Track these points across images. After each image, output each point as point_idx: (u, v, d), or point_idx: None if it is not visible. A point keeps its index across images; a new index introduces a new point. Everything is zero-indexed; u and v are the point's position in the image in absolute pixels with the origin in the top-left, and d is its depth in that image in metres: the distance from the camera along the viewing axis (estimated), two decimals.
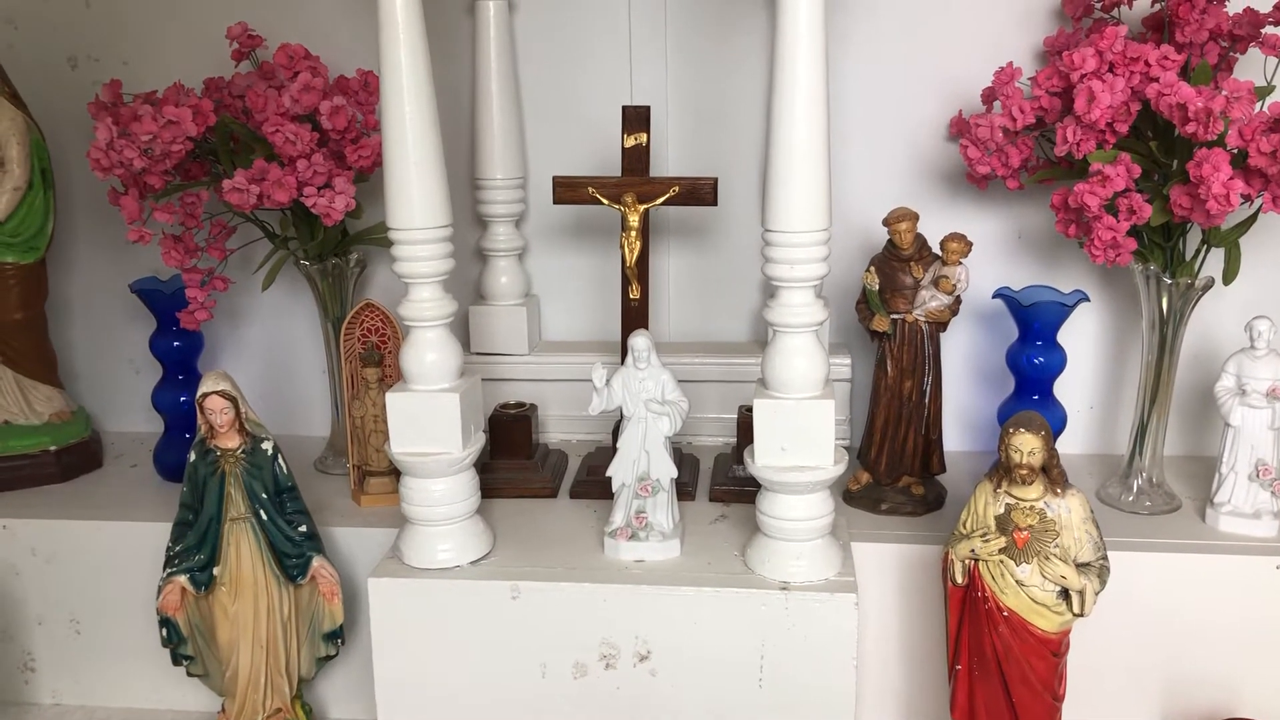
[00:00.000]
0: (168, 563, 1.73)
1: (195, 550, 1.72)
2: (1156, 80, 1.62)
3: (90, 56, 2.21)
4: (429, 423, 1.63)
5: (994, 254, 2.06)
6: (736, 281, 2.19)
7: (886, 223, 1.82)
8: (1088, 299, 1.89)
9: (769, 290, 1.59)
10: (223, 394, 1.66)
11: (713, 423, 2.13)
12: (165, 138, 1.79)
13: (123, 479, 2.16)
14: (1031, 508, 1.50)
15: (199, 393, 1.66)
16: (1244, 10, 1.75)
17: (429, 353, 1.63)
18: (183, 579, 1.72)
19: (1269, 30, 1.73)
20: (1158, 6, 1.81)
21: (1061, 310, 1.87)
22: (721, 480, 1.92)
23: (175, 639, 1.76)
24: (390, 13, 1.51)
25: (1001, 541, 1.51)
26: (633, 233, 1.86)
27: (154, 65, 2.15)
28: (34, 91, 2.10)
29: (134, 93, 1.92)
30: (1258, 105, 1.60)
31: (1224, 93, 1.57)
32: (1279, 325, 1.75)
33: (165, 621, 1.74)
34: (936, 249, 1.83)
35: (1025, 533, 1.50)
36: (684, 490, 1.88)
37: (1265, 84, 1.71)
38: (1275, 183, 1.59)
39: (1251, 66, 1.77)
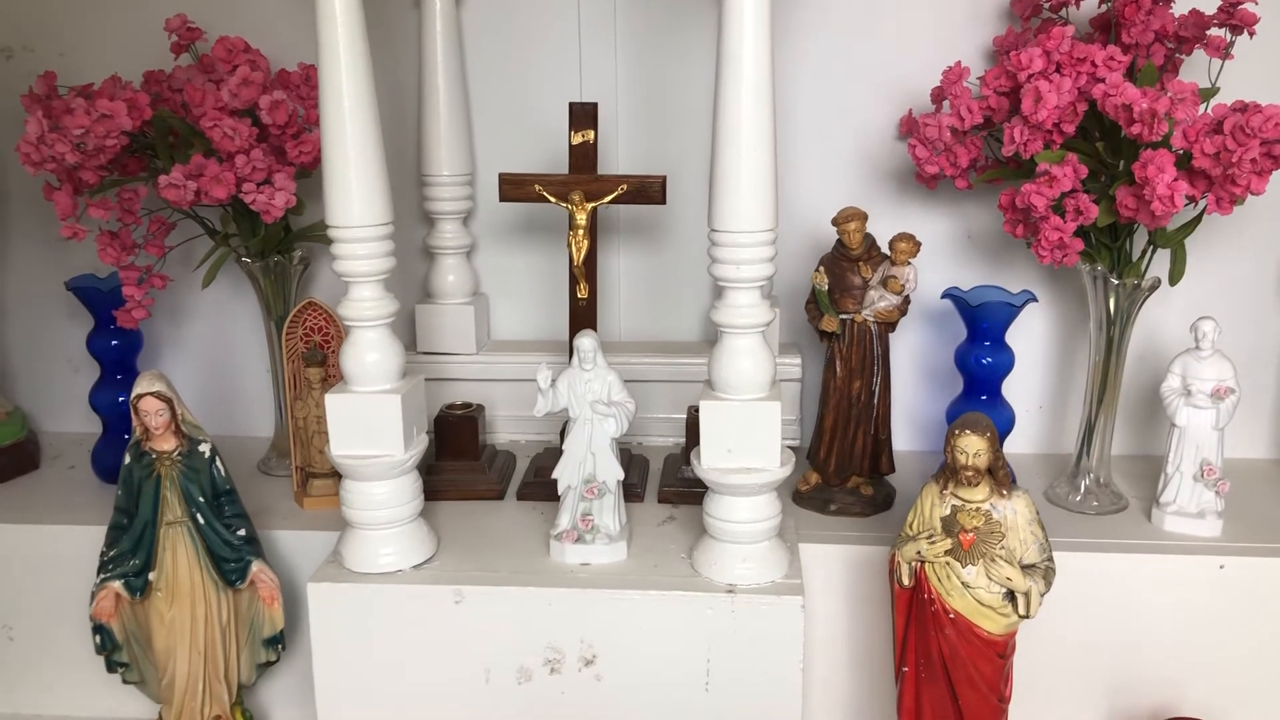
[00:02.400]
0: (102, 568, 1.69)
1: (130, 555, 1.68)
2: (1103, 81, 1.62)
3: (25, 47, 2.15)
4: (370, 425, 1.60)
5: (943, 254, 2.07)
6: (686, 281, 2.17)
7: (835, 222, 1.81)
8: (1036, 299, 1.89)
9: (716, 290, 1.57)
10: (157, 395, 1.62)
11: (662, 423, 2.11)
12: (98, 132, 1.75)
13: (60, 481, 2.10)
14: (977, 509, 1.50)
15: (133, 394, 1.62)
16: (1189, 12, 1.75)
17: (370, 353, 1.60)
18: (117, 584, 1.68)
19: (1214, 32, 1.74)
20: (1105, 7, 1.81)
21: (1010, 310, 1.87)
22: (670, 481, 1.91)
23: (109, 646, 1.72)
24: (329, 5, 1.47)
25: (947, 543, 1.50)
26: (580, 231, 1.84)
27: (92, 57, 2.10)
28: None
29: (70, 85, 1.87)
30: (1202, 107, 1.61)
31: (1169, 94, 1.57)
32: (1224, 326, 1.76)
33: (99, 628, 1.70)
34: (885, 249, 1.82)
35: (971, 534, 1.50)
36: (632, 491, 1.86)
37: (1210, 85, 1.72)
38: (1219, 184, 1.60)
39: (1196, 68, 1.78)
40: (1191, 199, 1.62)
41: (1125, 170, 1.66)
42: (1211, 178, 1.59)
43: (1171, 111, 1.56)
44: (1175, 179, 1.56)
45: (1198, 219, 1.74)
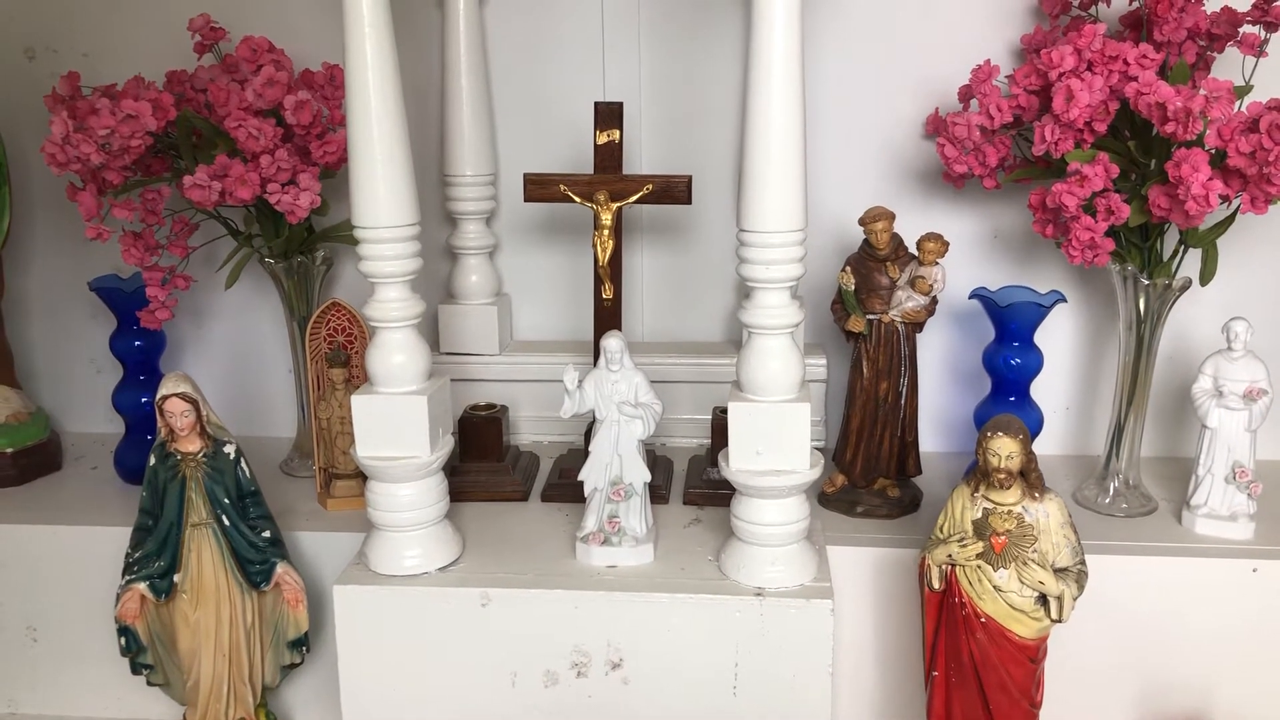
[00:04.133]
0: (126, 569, 1.69)
1: (155, 557, 1.67)
2: (1135, 79, 1.61)
3: (48, 48, 2.15)
4: (396, 426, 1.59)
5: (970, 254, 2.05)
6: (711, 281, 2.16)
7: (862, 222, 1.80)
8: (1065, 299, 1.88)
9: (744, 291, 1.56)
10: (183, 396, 1.61)
11: (687, 424, 2.10)
12: (123, 132, 1.74)
13: (82, 482, 2.10)
14: (1009, 512, 1.48)
15: (158, 395, 1.62)
16: (1222, 9, 1.73)
17: (396, 354, 1.59)
18: (142, 586, 1.67)
19: (1247, 29, 1.72)
20: (1135, 4, 1.80)
21: (1038, 311, 1.85)
22: (696, 483, 1.90)
23: (134, 648, 1.71)
24: (356, 5, 1.47)
25: (979, 546, 1.49)
26: (605, 231, 1.83)
27: (114, 57, 2.10)
28: None
29: (93, 85, 1.87)
30: (1236, 105, 1.59)
31: (1203, 92, 1.55)
32: (1256, 327, 1.74)
33: (124, 630, 1.70)
34: (913, 249, 1.80)
35: (1003, 538, 1.48)
36: (657, 493, 1.85)
37: (1244, 83, 1.70)
38: (1254, 183, 1.58)
39: (1229, 66, 1.76)
40: (1225, 198, 1.59)
41: (1157, 169, 1.64)
42: (1247, 177, 1.57)
43: (1206, 110, 1.54)
44: (1210, 178, 1.54)
45: (1231, 218, 1.72)
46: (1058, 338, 2.06)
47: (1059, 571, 1.49)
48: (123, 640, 1.71)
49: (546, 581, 1.62)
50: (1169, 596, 1.72)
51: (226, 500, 1.66)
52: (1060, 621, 1.49)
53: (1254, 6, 1.70)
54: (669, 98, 2.09)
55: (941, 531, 1.53)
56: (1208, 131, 1.56)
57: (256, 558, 1.69)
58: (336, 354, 1.89)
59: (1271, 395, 1.73)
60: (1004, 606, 1.49)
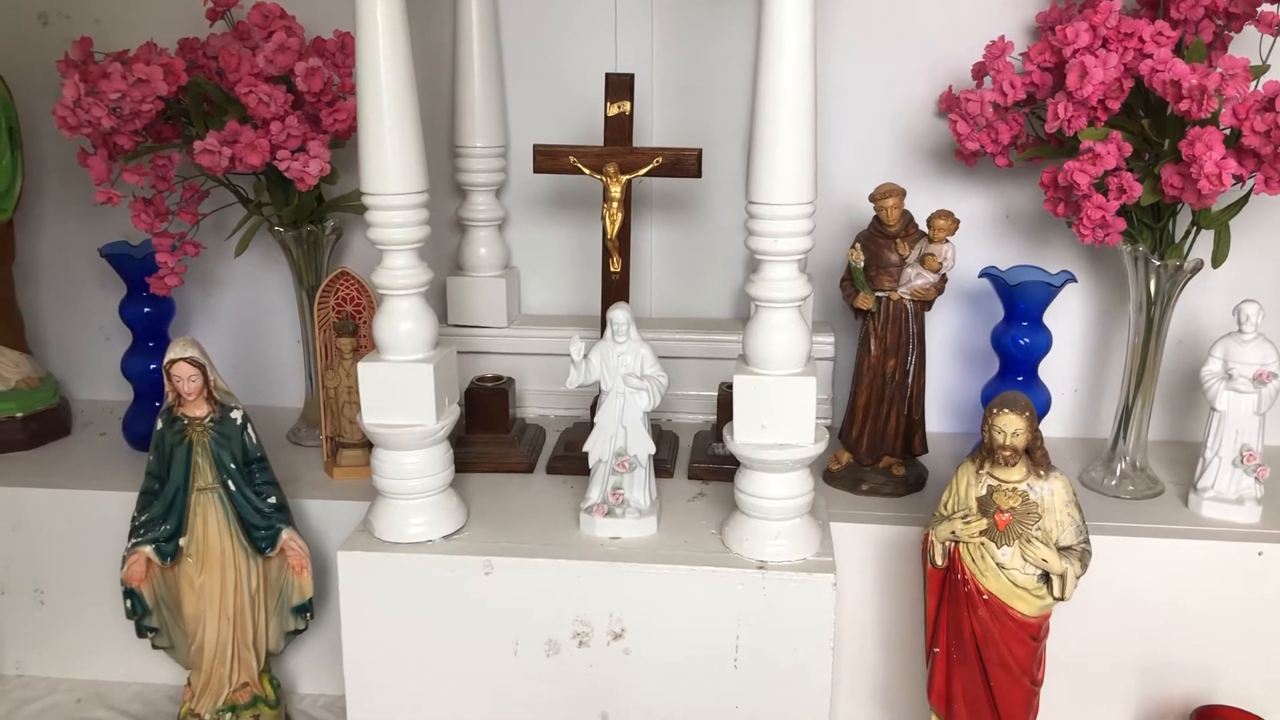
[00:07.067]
0: (133, 533, 1.70)
1: (161, 520, 1.68)
2: (1150, 57, 1.59)
3: (61, 13, 2.15)
4: (402, 394, 1.60)
5: (981, 233, 2.04)
6: (719, 256, 2.16)
7: (873, 199, 1.79)
8: (1075, 280, 1.86)
9: (752, 264, 1.56)
10: (190, 361, 1.62)
11: (693, 399, 2.10)
12: (135, 96, 1.74)
13: (91, 447, 2.12)
14: (1014, 490, 1.48)
15: (166, 359, 1.62)
16: None
17: (403, 322, 1.59)
18: (148, 549, 1.68)
19: (1265, 8, 1.70)
20: None
21: (1048, 291, 1.84)
22: (700, 457, 1.90)
23: (140, 610, 1.73)
24: None
25: (983, 523, 1.48)
26: (614, 204, 1.82)
27: (126, 24, 2.10)
28: (2, 49, 2.04)
29: (105, 51, 1.87)
30: (1253, 84, 1.57)
31: (1219, 70, 1.54)
32: (1268, 309, 1.73)
33: (130, 593, 1.71)
34: (923, 226, 1.80)
35: (1007, 515, 1.48)
36: (662, 467, 1.85)
37: (1260, 63, 1.68)
38: (1268, 163, 1.56)
39: (1246, 45, 1.74)
40: (1239, 178, 1.58)
41: (1171, 148, 1.63)
42: (1261, 156, 1.55)
43: (1222, 88, 1.52)
44: (1224, 157, 1.53)
45: (1244, 199, 1.70)
46: (1067, 318, 2.05)
47: (1062, 550, 1.48)
48: (129, 603, 1.72)
49: (550, 551, 1.63)
50: (1174, 579, 1.72)
51: (233, 465, 1.67)
52: (1063, 599, 1.49)
53: None
54: (681, 70, 2.08)
55: (946, 508, 1.53)
56: (1223, 110, 1.54)
57: (262, 523, 1.69)
58: (344, 323, 1.89)
59: None
60: (1006, 584, 1.49)
